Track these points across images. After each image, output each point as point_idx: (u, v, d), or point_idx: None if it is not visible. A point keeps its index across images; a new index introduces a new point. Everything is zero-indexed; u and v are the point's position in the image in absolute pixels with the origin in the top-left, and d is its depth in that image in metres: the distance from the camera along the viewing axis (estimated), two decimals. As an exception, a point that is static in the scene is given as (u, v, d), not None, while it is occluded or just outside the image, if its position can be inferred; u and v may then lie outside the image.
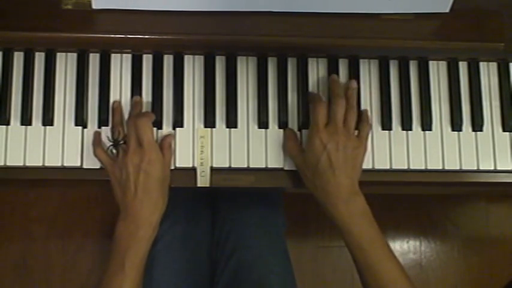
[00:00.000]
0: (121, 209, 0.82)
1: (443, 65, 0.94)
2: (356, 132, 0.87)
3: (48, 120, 0.87)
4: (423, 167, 0.90)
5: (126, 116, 0.88)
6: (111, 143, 0.84)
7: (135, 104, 0.88)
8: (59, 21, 0.84)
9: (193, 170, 0.87)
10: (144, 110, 0.88)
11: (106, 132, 0.87)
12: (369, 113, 0.90)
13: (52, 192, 1.59)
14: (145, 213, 0.81)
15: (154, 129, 0.87)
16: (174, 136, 0.87)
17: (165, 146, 0.86)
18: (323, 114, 0.84)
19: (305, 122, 0.89)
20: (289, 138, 0.88)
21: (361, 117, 0.89)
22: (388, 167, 0.89)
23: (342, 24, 0.87)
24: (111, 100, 0.88)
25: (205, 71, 0.90)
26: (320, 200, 0.84)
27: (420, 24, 0.88)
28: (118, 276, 0.78)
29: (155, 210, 0.82)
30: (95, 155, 0.85)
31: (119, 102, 0.88)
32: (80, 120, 0.87)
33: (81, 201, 1.60)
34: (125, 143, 0.83)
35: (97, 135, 0.87)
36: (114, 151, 0.84)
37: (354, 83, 0.90)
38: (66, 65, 0.89)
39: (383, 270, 0.80)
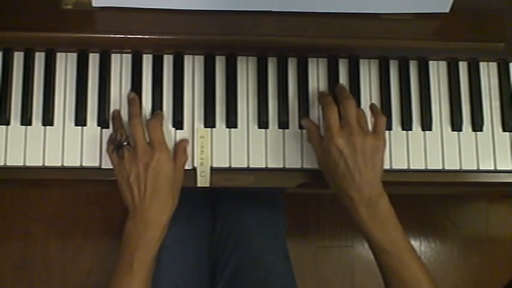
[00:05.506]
0: (130, 209, 0.82)
1: (443, 65, 0.94)
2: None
3: (48, 120, 0.87)
4: (423, 167, 0.90)
5: (126, 117, 0.87)
6: (113, 146, 0.84)
7: (132, 102, 0.87)
8: (59, 21, 0.84)
9: (193, 170, 0.87)
10: (144, 110, 0.88)
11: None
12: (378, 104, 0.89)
13: (52, 192, 1.59)
14: (154, 212, 0.80)
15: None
16: (188, 141, 0.88)
17: (179, 150, 0.86)
18: (335, 118, 0.82)
19: (305, 122, 0.90)
20: (310, 130, 0.86)
21: (373, 111, 0.87)
22: (388, 167, 0.89)
23: (342, 24, 0.87)
24: (112, 100, 0.88)
25: (205, 71, 0.90)
26: (341, 201, 0.83)
27: (420, 24, 0.88)
28: (127, 277, 0.78)
29: (165, 209, 0.82)
30: (108, 152, 0.85)
31: (119, 111, 0.88)
32: (80, 120, 0.87)
33: (81, 201, 1.59)
34: (128, 144, 0.83)
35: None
36: (118, 153, 0.84)
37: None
38: (66, 65, 0.89)
39: (407, 273, 0.78)
